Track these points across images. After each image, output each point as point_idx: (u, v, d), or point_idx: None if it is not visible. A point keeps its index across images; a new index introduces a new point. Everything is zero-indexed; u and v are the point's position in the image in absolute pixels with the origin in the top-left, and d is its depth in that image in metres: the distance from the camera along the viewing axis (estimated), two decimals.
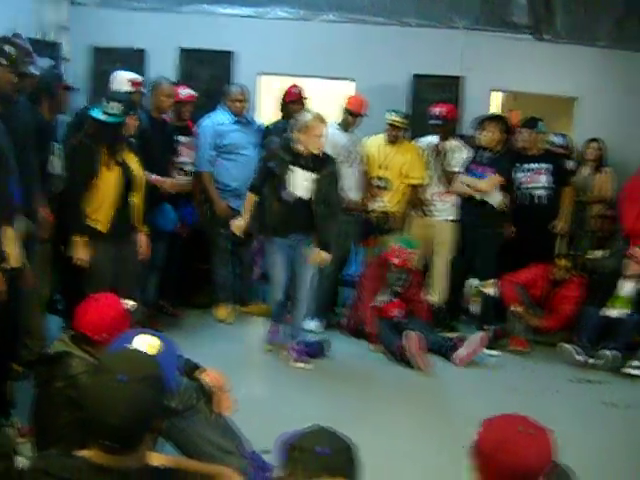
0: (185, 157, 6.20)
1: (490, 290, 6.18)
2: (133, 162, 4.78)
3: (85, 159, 4.56)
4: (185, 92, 6.19)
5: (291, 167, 5.19)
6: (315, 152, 5.19)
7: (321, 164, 5.24)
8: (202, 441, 3.16)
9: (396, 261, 5.95)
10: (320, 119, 5.18)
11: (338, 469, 1.97)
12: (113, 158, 4.59)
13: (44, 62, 5.52)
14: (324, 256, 5.33)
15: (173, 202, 5.90)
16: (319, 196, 5.22)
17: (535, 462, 1.98)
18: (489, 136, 6.13)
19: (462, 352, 5.65)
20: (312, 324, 6.24)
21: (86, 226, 4.59)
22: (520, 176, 6.44)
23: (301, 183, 5.22)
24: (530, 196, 6.43)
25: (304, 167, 5.21)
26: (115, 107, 4.56)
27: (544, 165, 6.41)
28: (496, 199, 6.29)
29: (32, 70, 4.40)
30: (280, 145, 5.36)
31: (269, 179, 5.29)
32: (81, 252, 4.57)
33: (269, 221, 5.34)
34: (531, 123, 6.52)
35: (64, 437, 2.83)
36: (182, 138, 6.18)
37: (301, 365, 5.41)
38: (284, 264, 5.45)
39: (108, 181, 4.59)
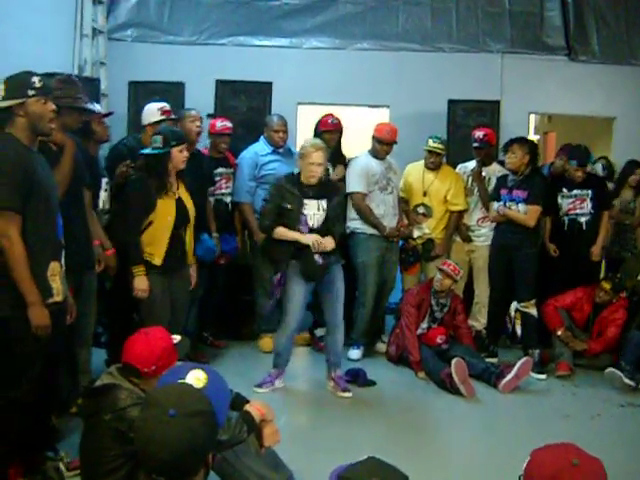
0: (224, 189, 6.25)
1: (532, 310, 6.09)
2: (185, 196, 4.84)
3: (142, 192, 4.63)
4: (221, 124, 6.23)
5: (304, 201, 5.15)
6: (311, 181, 5.12)
7: (329, 191, 5.22)
8: (253, 475, 3.15)
9: (450, 267, 5.96)
10: (317, 147, 5.12)
11: None
12: (165, 191, 4.65)
13: None
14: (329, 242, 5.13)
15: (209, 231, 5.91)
16: (328, 224, 5.18)
17: None
18: (513, 159, 6.07)
19: (507, 379, 5.56)
20: (353, 353, 6.21)
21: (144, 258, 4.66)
22: (566, 202, 6.40)
23: (315, 214, 5.18)
24: (577, 223, 6.39)
25: (314, 197, 5.16)
26: (158, 140, 4.66)
27: (587, 191, 6.36)
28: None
29: (91, 107, 4.45)
30: (285, 181, 5.24)
31: (281, 216, 5.18)
32: (142, 283, 4.61)
33: (290, 256, 5.19)
34: (584, 160, 6.40)
35: (112, 470, 2.84)
36: (221, 170, 6.22)
37: (348, 395, 5.34)
38: (304, 292, 5.27)
39: (162, 214, 4.64)
